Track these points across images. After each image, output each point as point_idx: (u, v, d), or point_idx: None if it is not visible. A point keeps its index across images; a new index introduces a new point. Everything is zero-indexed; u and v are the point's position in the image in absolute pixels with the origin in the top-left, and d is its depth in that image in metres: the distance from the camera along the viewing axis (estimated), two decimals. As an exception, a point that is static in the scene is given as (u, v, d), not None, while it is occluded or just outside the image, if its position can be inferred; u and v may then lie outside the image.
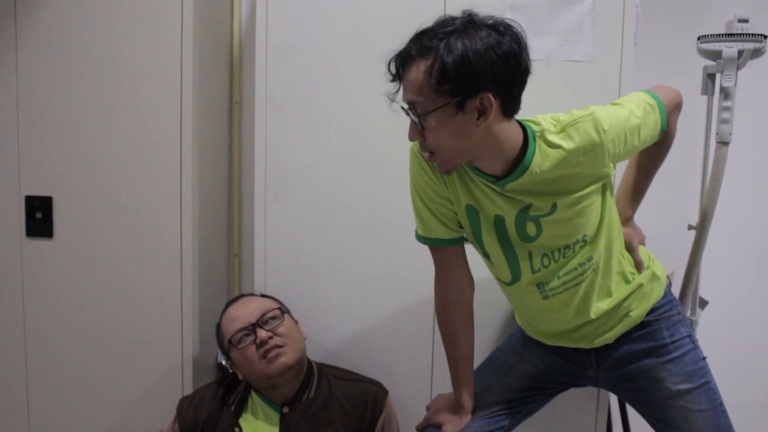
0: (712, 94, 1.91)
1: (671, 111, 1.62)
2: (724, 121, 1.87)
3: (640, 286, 1.64)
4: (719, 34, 1.88)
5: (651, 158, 1.71)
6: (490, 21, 1.36)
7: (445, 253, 1.64)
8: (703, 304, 2.02)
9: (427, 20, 1.81)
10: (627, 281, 1.64)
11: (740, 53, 1.84)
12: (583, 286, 1.59)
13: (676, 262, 1.97)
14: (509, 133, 1.42)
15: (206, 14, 2.07)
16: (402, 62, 1.38)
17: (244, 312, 1.84)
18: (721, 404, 1.62)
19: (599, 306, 1.62)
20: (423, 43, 1.34)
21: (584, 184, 1.49)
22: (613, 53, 1.93)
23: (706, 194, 1.90)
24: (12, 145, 1.99)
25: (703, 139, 1.99)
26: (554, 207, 1.50)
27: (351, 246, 2.05)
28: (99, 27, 1.94)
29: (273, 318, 1.83)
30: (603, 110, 1.48)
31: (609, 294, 1.63)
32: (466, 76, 1.31)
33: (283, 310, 1.88)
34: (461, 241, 1.64)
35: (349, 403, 1.86)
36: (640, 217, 1.78)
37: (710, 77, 1.90)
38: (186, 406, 1.89)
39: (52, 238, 2.00)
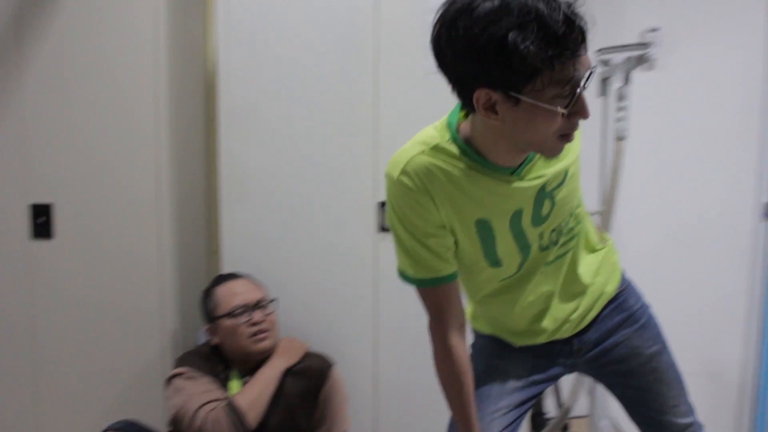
0: (606, 95, 2.20)
1: None
2: (620, 120, 2.16)
3: (606, 257, 1.66)
4: (614, 46, 2.17)
5: None
6: None
7: (444, 291, 1.47)
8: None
9: (359, 43, 2.15)
10: (595, 250, 1.64)
11: (628, 60, 2.13)
12: (570, 254, 1.57)
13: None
14: None
15: (180, 47, 2.41)
16: (582, 39, 1.19)
17: (246, 291, 2.13)
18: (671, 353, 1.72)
19: (586, 271, 1.60)
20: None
21: (576, 146, 1.45)
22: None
23: (609, 182, 2.19)
24: (17, 160, 2.31)
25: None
26: (565, 175, 1.44)
27: (300, 239, 2.35)
28: (89, 61, 2.27)
29: (266, 305, 2.14)
30: None
31: (586, 263, 1.62)
32: None
33: (273, 301, 2.18)
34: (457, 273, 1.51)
35: (299, 375, 2.12)
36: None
37: (603, 81, 2.20)
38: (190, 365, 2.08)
39: (53, 240, 2.32)
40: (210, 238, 2.71)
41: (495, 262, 1.50)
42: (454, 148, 1.36)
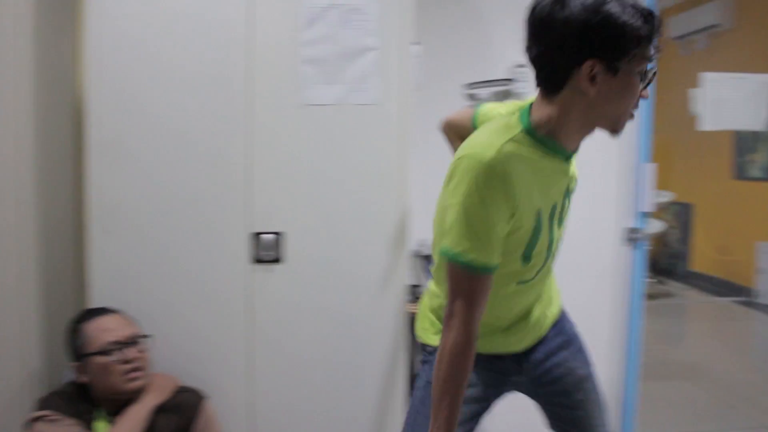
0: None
1: None
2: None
3: (553, 282, 1.84)
4: (480, 82, 2.27)
5: None
6: None
7: (487, 281, 1.51)
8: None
9: (231, 74, 2.16)
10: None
11: (495, 94, 2.23)
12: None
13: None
14: None
15: (47, 74, 2.31)
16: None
17: (118, 327, 2.04)
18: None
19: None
20: None
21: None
22: (396, 96, 2.27)
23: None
24: None
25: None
26: (575, 182, 1.66)
27: (172, 272, 2.29)
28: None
29: (140, 342, 2.06)
30: None
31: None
32: None
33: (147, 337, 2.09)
34: None
35: (170, 411, 2.06)
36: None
37: (471, 115, 2.29)
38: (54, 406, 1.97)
39: None
40: (78, 272, 2.60)
41: (527, 258, 1.59)
42: (527, 139, 1.50)
